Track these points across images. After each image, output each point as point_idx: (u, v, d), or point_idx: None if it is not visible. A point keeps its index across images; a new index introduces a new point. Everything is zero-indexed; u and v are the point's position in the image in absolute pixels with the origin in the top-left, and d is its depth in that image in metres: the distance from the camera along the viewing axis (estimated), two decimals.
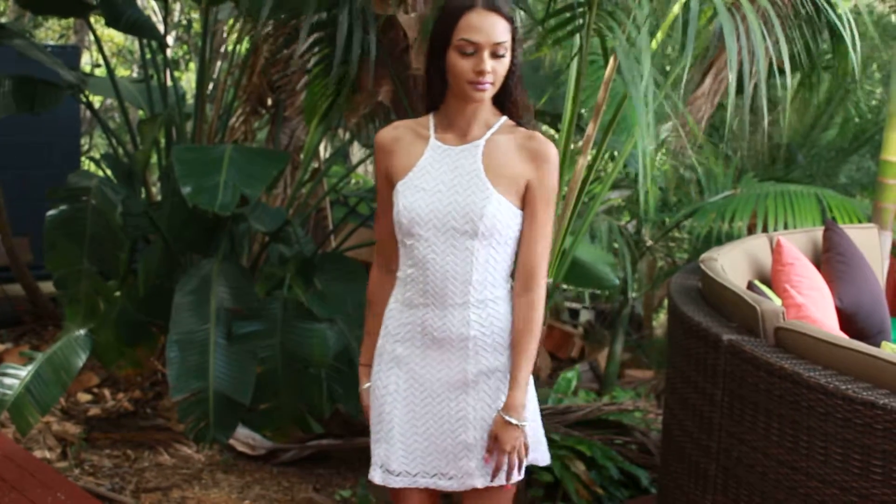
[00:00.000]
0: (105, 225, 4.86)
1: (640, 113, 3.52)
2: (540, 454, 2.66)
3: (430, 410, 2.57)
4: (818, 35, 4.16)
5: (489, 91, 2.43)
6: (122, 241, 4.92)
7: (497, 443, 2.50)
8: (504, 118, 2.55)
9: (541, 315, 2.54)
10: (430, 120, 2.58)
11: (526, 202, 2.51)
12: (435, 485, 2.59)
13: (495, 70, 2.41)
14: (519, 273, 2.54)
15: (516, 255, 2.55)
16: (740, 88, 4.25)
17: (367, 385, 2.70)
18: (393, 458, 2.58)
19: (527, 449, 2.53)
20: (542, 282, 2.53)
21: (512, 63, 2.46)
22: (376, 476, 2.61)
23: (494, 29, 2.38)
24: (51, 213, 4.90)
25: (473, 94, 2.43)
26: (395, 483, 2.60)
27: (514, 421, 2.48)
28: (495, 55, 2.39)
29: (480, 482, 2.54)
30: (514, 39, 2.44)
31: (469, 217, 2.45)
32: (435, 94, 2.54)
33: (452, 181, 2.49)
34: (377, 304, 2.70)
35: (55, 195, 5.00)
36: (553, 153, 2.52)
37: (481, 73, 2.39)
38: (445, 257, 2.49)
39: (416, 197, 2.50)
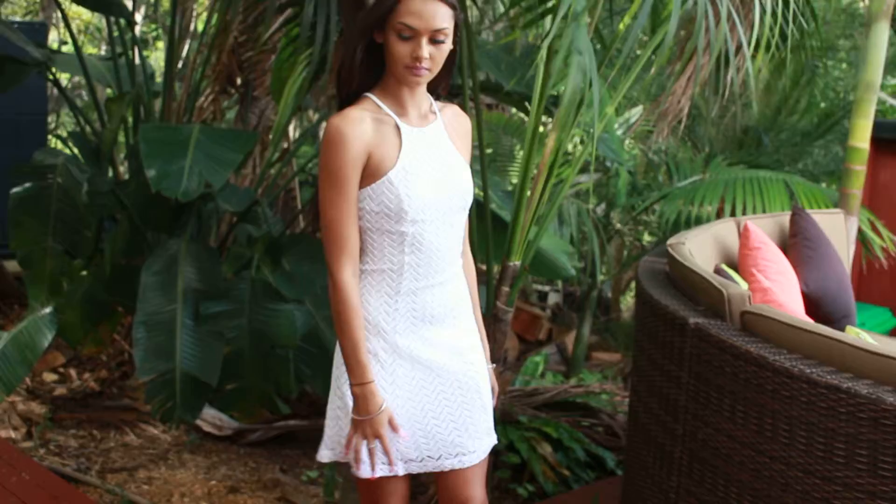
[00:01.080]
0: (70, 203, 4.84)
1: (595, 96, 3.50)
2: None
3: (440, 390, 2.56)
4: (786, 17, 4.15)
5: (425, 77, 2.40)
6: (87, 220, 4.89)
7: (494, 388, 2.73)
8: (432, 99, 2.60)
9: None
10: (379, 103, 2.48)
11: None
12: (460, 463, 2.58)
13: (433, 56, 2.37)
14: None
15: None
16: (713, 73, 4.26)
17: (385, 403, 2.48)
18: (413, 448, 2.54)
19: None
20: (467, 237, 2.71)
21: (452, 50, 2.44)
22: (399, 468, 2.52)
23: (435, 15, 2.34)
24: (15, 190, 4.86)
25: (409, 78, 2.39)
26: (417, 469, 2.58)
27: (491, 367, 2.75)
28: (434, 41, 2.35)
29: (488, 442, 2.65)
30: (457, 26, 2.41)
31: (465, 193, 2.54)
32: (363, 73, 2.46)
33: (439, 162, 2.50)
34: (358, 310, 2.48)
35: (20, 172, 4.96)
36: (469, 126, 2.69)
37: (418, 59, 2.35)
38: (440, 236, 2.49)
39: (417, 183, 2.43)
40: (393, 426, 2.48)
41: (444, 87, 2.60)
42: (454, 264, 2.57)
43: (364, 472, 2.51)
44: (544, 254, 4.97)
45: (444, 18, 2.35)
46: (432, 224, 2.48)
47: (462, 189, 2.53)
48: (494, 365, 2.64)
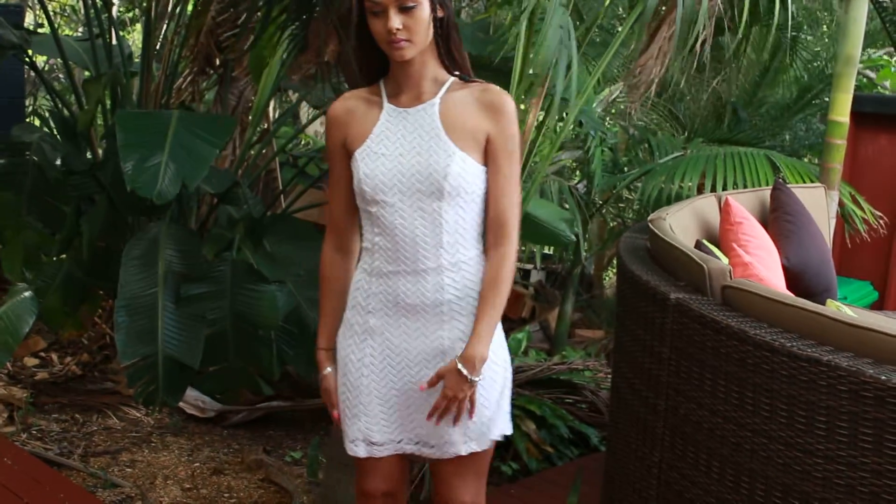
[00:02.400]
0: (45, 181, 4.82)
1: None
2: (505, 425, 2.63)
3: (409, 380, 2.53)
4: None
5: (409, 48, 2.36)
6: (62, 198, 4.87)
7: (443, 385, 2.43)
8: (453, 77, 2.49)
9: (511, 270, 2.49)
10: (382, 86, 2.52)
11: (489, 156, 2.45)
12: (420, 452, 2.56)
13: (407, 25, 2.33)
14: (490, 227, 2.49)
15: (485, 212, 2.50)
16: (686, 46, 4.26)
17: (329, 370, 2.68)
18: (375, 430, 2.55)
19: (472, 407, 2.45)
20: (513, 236, 2.48)
21: (436, 13, 2.39)
22: (360, 450, 2.56)
23: None
24: None
25: (394, 53, 2.37)
26: (381, 452, 2.57)
27: (465, 372, 2.40)
28: (403, 9, 2.31)
29: (464, 449, 2.52)
30: None
31: (434, 178, 2.40)
32: (371, 61, 2.50)
33: (412, 143, 2.45)
34: (331, 282, 2.66)
35: None
36: (510, 103, 2.45)
37: (391, 31, 2.32)
38: (413, 221, 2.44)
39: (378, 163, 2.44)
40: (330, 400, 2.63)
41: (460, 59, 2.48)
42: (438, 256, 2.45)
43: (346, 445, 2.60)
44: (543, 223, 4.97)
45: None
46: (400, 209, 2.44)
47: (428, 172, 2.41)
48: (477, 379, 2.42)
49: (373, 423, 2.55)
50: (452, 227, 2.45)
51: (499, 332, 2.55)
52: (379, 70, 2.52)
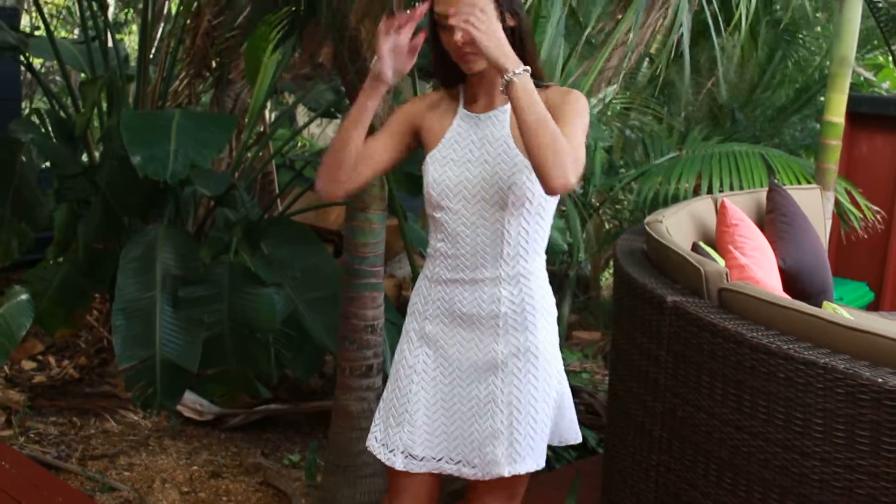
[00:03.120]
0: (27, 182, 4.88)
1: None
2: (573, 433, 2.62)
3: (459, 393, 2.51)
4: None
5: (476, 60, 2.35)
6: (41, 203, 4.96)
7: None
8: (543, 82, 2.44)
9: (564, 150, 2.19)
10: (461, 90, 2.53)
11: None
12: (459, 472, 2.51)
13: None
14: None
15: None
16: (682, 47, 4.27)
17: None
18: (417, 443, 2.52)
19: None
20: (581, 160, 2.25)
21: (507, 22, 2.35)
22: (398, 462, 2.52)
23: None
24: None
25: (464, 66, 2.39)
26: (418, 468, 2.53)
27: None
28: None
29: (507, 471, 2.44)
30: (497, 2, 2.33)
31: (498, 187, 2.38)
32: (447, 67, 2.48)
33: (481, 150, 2.44)
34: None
35: None
36: (576, 92, 2.40)
37: (456, 44, 2.33)
38: (476, 230, 2.42)
39: (446, 168, 2.44)
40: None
41: (533, 68, 2.31)
42: (496, 267, 2.43)
43: (369, 442, 2.58)
44: None
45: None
46: (464, 216, 2.43)
47: (493, 181, 2.38)
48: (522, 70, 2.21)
49: (416, 436, 2.51)
50: (514, 238, 2.42)
51: (553, 345, 2.53)
52: (457, 75, 2.49)
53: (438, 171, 2.45)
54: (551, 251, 5.33)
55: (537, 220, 2.44)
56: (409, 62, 2.39)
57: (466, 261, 2.45)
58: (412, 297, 2.59)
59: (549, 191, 2.20)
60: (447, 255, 2.47)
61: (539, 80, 2.40)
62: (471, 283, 2.45)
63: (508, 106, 2.40)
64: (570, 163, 2.17)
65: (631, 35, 3.97)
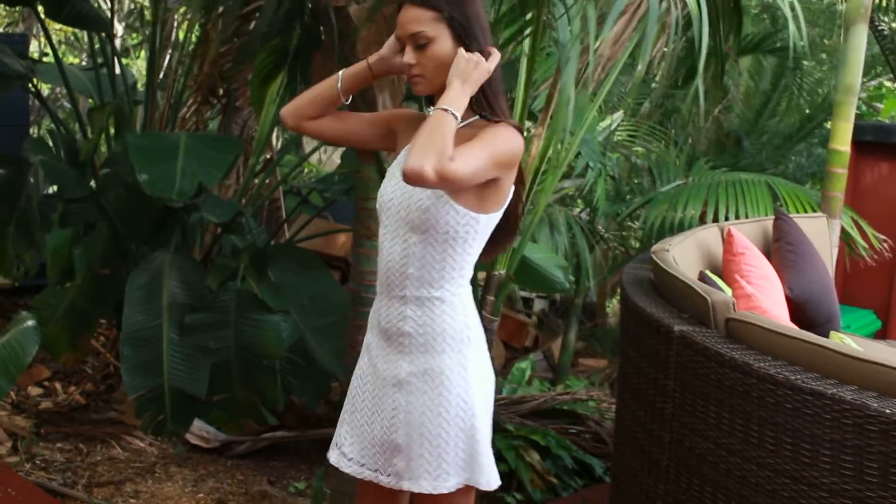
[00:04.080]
0: (30, 204, 4.94)
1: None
2: (478, 475, 2.54)
3: (374, 403, 2.56)
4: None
5: (422, 83, 2.42)
6: (38, 226, 5.05)
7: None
8: (478, 116, 2.47)
9: (434, 146, 2.24)
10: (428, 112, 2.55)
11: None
12: (377, 479, 2.56)
13: (420, 62, 2.39)
14: None
15: (465, 256, 2.47)
16: (690, 76, 4.28)
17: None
18: (347, 442, 2.62)
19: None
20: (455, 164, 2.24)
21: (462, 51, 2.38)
22: (332, 456, 2.65)
23: (410, 20, 2.39)
24: None
25: (413, 87, 2.47)
26: (346, 467, 2.61)
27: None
28: (418, 46, 2.38)
29: (407, 485, 2.50)
30: (453, 28, 2.37)
31: (410, 209, 2.42)
32: None
33: None
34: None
35: (3, 160, 5.07)
36: (501, 125, 2.40)
37: (407, 66, 2.41)
38: (392, 248, 2.48)
39: (386, 184, 2.53)
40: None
41: (494, 104, 2.45)
42: (403, 287, 2.46)
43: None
44: (538, 269, 5.02)
45: (418, 23, 2.38)
46: (387, 232, 2.50)
47: (407, 202, 2.42)
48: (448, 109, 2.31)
49: (350, 436, 2.62)
50: (419, 261, 2.44)
51: (461, 374, 2.50)
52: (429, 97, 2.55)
53: (383, 184, 2.55)
54: (553, 288, 5.36)
55: (444, 247, 2.43)
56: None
57: (384, 276, 2.52)
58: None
59: (402, 174, 2.24)
60: (377, 269, 2.56)
61: (493, 115, 2.45)
62: (388, 298, 2.52)
63: None
64: (434, 154, 2.20)
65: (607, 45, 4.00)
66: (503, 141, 2.37)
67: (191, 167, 4.15)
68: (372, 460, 2.58)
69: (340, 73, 2.60)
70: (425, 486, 2.49)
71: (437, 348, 2.47)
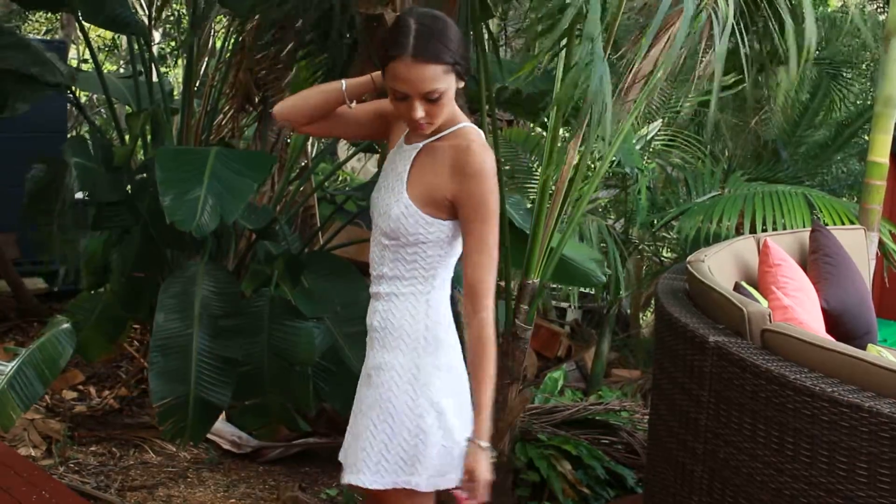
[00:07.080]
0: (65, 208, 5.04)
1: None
2: (427, 479, 2.47)
3: (357, 399, 2.59)
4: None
5: (430, 128, 2.40)
6: (73, 225, 5.22)
7: (474, 473, 2.38)
8: (462, 125, 2.46)
9: (492, 333, 2.42)
10: None
11: (461, 218, 2.41)
12: (346, 479, 2.53)
13: (430, 112, 2.34)
14: (466, 293, 2.43)
15: (438, 261, 2.49)
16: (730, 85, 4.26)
17: None
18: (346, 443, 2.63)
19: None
20: (488, 301, 2.41)
21: (458, 84, 2.39)
22: (341, 454, 2.61)
23: (424, 79, 2.29)
24: (34, 171, 5.36)
25: (414, 131, 2.45)
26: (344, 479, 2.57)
27: (483, 445, 2.39)
28: (428, 100, 2.32)
29: (348, 478, 2.49)
30: (457, 72, 2.35)
31: (384, 215, 2.47)
32: None
33: (387, 179, 2.54)
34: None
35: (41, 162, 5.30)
36: (481, 166, 2.39)
37: (414, 119, 2.36)
38: (374, 249, 2.54)
39: (375, 193, 2.58)
40: None
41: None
42: (378, 284, 2.52)
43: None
44: (573, 263, 4.97)
45: (433, 80, 2.30)
46: (373, 234, 2.56)
47: (383, 209, 2.49)
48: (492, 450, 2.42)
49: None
50: (392, 262, 2.49)
51: (415, 374, 2.47)
52: None
53: (373, 192, 2.60)
54: (589, 282, 5.33)
55: (413, 251, 2.46)
56: None
57: (372, 272, 2.56)
58: None
59: None
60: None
61: (457, 120, 2.47)
62: (373, 294, 2.57)
63: (421, 144, 2.47)
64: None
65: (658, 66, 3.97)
66: (488, 196, 2.40)
67: (214, 193, 4.11)
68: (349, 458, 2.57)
69: (344, 81, 2.61)
70: (364, 480, 2.46)
71: (391, 345, 2.49)
